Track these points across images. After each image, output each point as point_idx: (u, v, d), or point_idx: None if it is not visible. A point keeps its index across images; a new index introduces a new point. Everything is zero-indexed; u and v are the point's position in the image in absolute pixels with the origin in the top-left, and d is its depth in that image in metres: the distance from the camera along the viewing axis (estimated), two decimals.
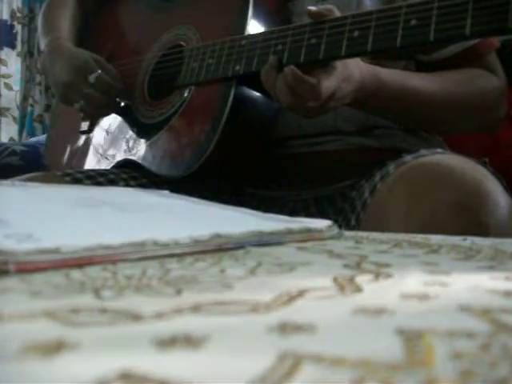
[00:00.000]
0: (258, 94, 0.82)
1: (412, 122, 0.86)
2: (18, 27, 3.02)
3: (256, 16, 0.83)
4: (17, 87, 3.02)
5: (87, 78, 0.93)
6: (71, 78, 0.95)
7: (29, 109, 2.95)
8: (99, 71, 0.94)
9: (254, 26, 0.82)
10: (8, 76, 3.02)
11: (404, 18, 0.64)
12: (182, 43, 0.93)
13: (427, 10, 0.63)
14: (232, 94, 0.79)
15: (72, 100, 0.97)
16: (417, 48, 0.72)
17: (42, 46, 1.07)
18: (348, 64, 0.71)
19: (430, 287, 0.27)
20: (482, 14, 0.59)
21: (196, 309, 0.23)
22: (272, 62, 0.73)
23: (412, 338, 0.19)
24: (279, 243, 0.41)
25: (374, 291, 0.27)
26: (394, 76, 0.77)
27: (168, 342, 0.19)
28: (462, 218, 0.62)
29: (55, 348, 0.18)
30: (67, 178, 0.89)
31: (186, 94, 0.87)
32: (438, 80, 0.82)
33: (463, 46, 0.84)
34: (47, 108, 2.90)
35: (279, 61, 0.73)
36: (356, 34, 0.68)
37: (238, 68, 0.79)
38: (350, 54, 0.69)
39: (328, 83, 0.69)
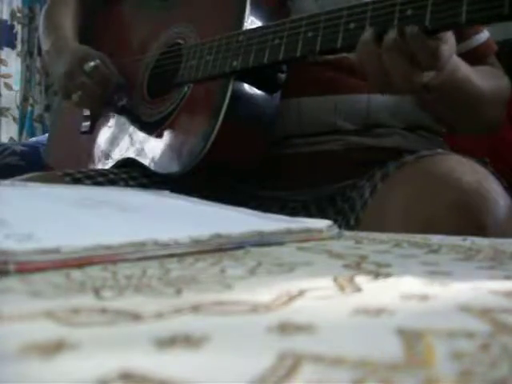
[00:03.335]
0: (256, 89, 0.82)
1: (456, 116, 0.83)
2: (18, 27, 3.02)
3: (254, 14, 0.83)
4: (17, 87, 3.02)
5: (84, 67, 0.94)
6: (70, 68, 0.96)
7: (29, 109, 2.95)
8: (97, 61, 0.95)
9: (252, 25, 0.82)
10: (8, 76, 3.02)
11: (399, 8, 0.64)
12: (180, 41, 0.93)
13: (423, 0, 0.63)
14: (230, 90, 0.79)
15: (70, 91, 0.97)
16: None
17: (45, 46, 1.07)
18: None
19: (429, 287, 0.27)
20: (477, 1, 0.59)
21: (196, 309, 0.23)
22: (369, 36, 0.65)
23: (412, 338, 0.19)
24: (279, 243, 0.41)
25: (374, 291, 0.27)
26: (462, 62, 0.74)
27: (168, 342, 0.19)
28: (461, 218, 0.62)
29: (55, 348, 0.18)
30: (67, 178, 0.89)
31: (184, 92, 0.87)
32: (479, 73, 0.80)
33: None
34: (47, 108, 2.90)
35: (377, 33, 0.66)
36: (352, 25, 0.68)
37: (235, 64, 0.79)
38: (347, 46, 0.69)
39: (445, 52, 0.64)
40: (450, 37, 0.65)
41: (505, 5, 0.56)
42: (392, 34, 0.63)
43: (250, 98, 0.82)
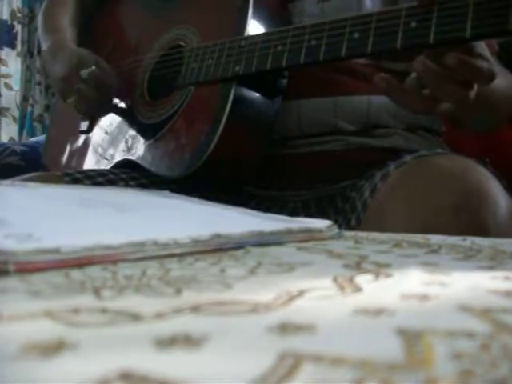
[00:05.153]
0: (257, 94, 0.82)
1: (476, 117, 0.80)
2: (18, 27, 3.02)
3: (256, 17, 0.83)
4: (17, 87, 3.02)
5: (80, 73, 0.94)
6: (66, 72, 0.96)
7: (29, 109, 2.95)
8: (93, 67, 0.95)
9: (254, 27, 0.82)
10: (8, 76, 3.02)
11: (404, 20, 0.64)
12: (181, 43, 0.93)
13: (428, 13, 0.63)
14: (232, 94, 0.79)
15: (66, 95, 0.97)
16: (417, 50, 0.71)
17: (43, 46, 1.07)
18: None
19: (429, 287, 0.27)
20: (482, 16, 0.59)
21: (196, 309, 0.23)
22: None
23: (412, 338, 0.19)
24: (279, 243, 0.41)
25: (374, 291, 0.27)
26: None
27: (168, 342, 0.19)
28: (462, 219, 0.62)
29: (55, 348, 0.18)
30: (67, 178, 0.89)
31: (186, 95, 0.87)
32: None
33: None
34: (47, 108, 2.90)
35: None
36: (356, 35, 0.68)
37: (237, 69, 0.79)
38: (350, 56, 0.69)
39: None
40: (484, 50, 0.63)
41: (509, 21, 0.57)
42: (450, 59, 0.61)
43: (251, 102, 0.82)
